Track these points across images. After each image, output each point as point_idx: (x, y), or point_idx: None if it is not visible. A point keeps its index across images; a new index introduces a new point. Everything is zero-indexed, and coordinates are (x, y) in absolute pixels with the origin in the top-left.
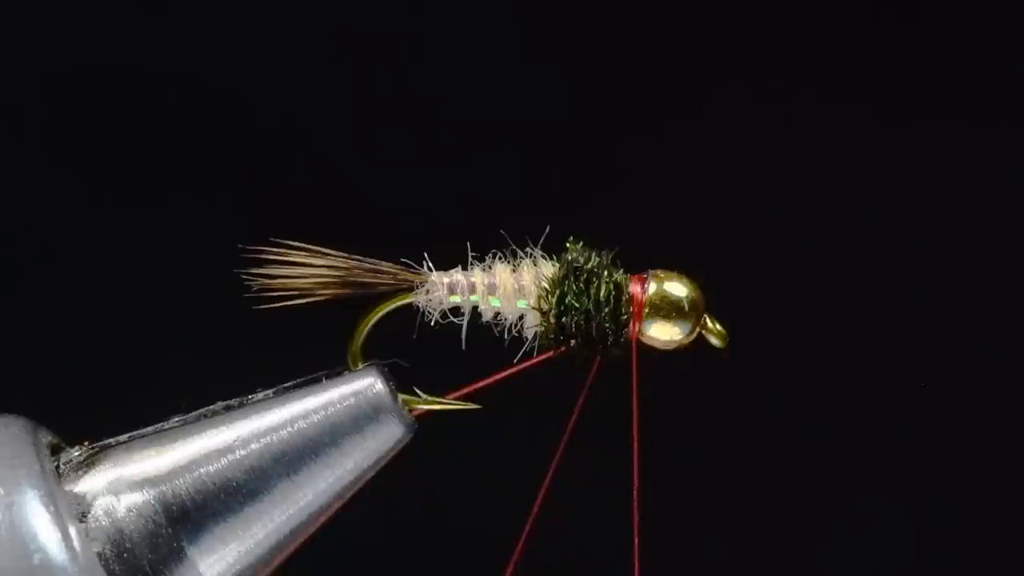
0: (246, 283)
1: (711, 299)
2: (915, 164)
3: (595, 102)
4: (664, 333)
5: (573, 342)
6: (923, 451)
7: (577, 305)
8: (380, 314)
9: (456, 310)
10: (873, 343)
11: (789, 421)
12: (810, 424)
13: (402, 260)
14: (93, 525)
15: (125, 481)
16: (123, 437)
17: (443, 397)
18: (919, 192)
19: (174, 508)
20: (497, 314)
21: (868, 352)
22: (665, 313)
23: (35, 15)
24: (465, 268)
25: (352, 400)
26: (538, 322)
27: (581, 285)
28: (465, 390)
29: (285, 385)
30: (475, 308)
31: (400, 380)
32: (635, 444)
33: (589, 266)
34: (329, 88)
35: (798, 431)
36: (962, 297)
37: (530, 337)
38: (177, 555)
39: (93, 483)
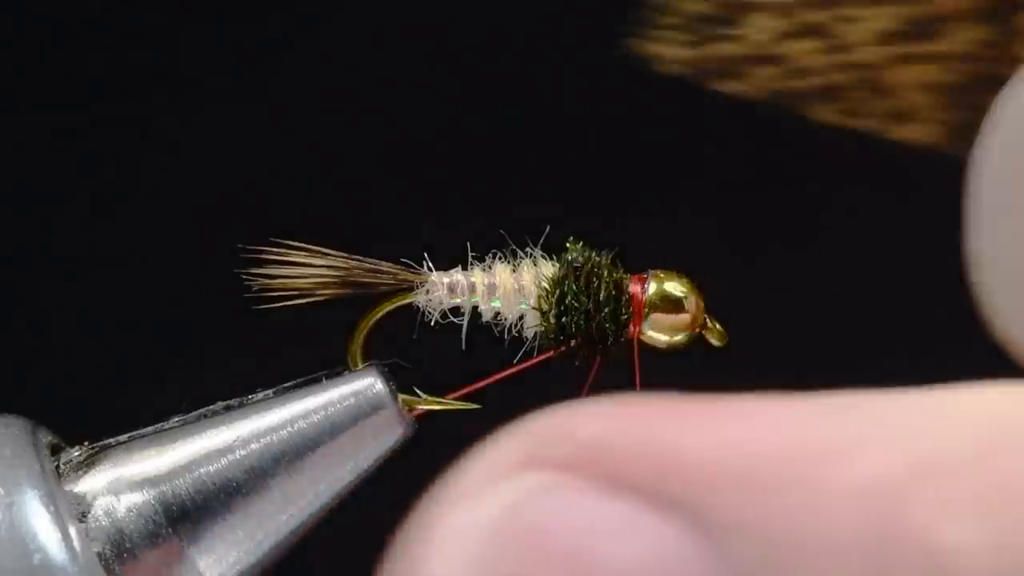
0: (246, 283)
1: (710, 299)
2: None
3: (595, 102)
4: (664, 333)
5: (573, 342)
6: None
7: (577, 305)
8: (380, 314)
9: (456, 310)
10: (874, 338)
11: None
12: None
13: (402, 260)
14: (93, 525)
15: (125, 481)
16: (123, 437)
17: (443, 397)
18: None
19: (174, 508)
20: (497, 314)
21: (869, 347)
22: (665, 313)
23: None
24: (465, 268)
25: (352, 400)
26: (538, 322)
27: (581, 285)
28: (465, 390)
29: (285, 385)
30: (475, 308)
31: (400, 380)
32: None
33: (589, 266)
34: (329, 87)
35: None
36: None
37: (530, 337)
38: (177, 555)
39: (93, 483)
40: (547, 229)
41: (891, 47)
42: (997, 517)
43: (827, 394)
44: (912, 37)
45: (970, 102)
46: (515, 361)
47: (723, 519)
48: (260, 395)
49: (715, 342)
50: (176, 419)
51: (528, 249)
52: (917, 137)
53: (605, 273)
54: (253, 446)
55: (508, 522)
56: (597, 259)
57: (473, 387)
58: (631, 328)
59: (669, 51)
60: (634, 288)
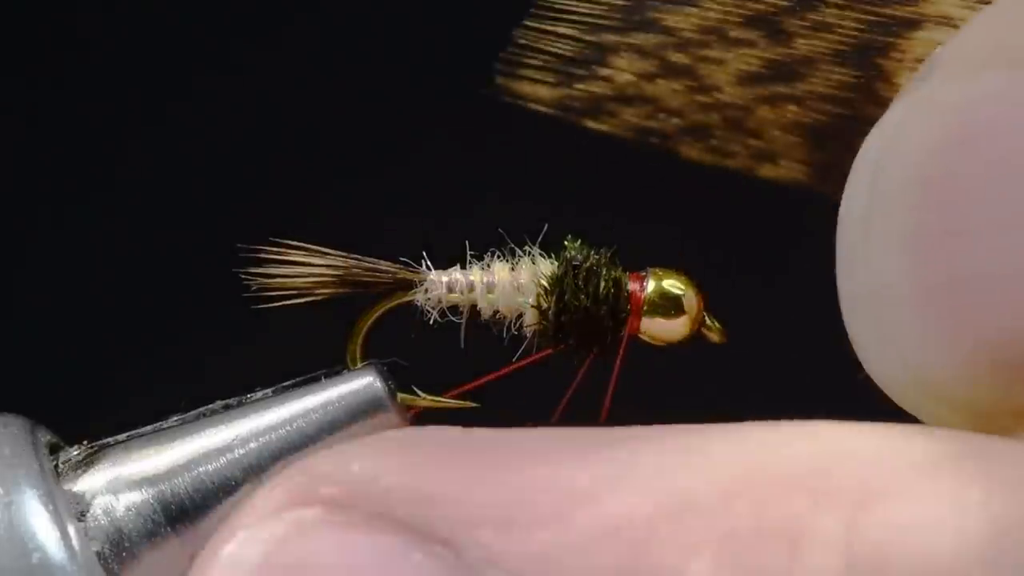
0: (245, 282)
1: (708, 296)
2: None
3: None
4: (663, 330)
5: (572, 340)
6: None
7: (576, 303)
8: (379, 313)
9: (455, 309)
10: None
11: (788, 413)
12: (816, 413)
13: (401, 259)
14: (92, 524)
15: (124, 480)
16: (122, 436)
17: (442, 396)
18: None
19: (173, 507)
20: (496, 312)
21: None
22: (664, 311)
23: None
24: (464, 267)
25: (351, 399)
26: (536, 320)
27: (580, 283)
28: (464, 388)
29: (284, 384)
30: (474, 307)
31: (399, 379)
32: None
33: (588, 264)
34: (329, 87)
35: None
36: None
37: (529, 335)
38: (176, 554)
39: (92, 482)
40: (545, 227)
41: (754, 88)
42: (740, 558)
43: (586, 432)
44: (775, 79)
45: (836, 143)
46: (514, 360)
47: (482, 556)
48: (259, 394)
49: (714, 339)
50: (175, 418)
51: (527, 247)
52: (783, 177)
53: (604, 271)
54: (252, 445)
55: (275, 556)
56: (596, 257)
57: (472, 385)
58: (629, 325)
59: (535, 90)
60: (633, 286)
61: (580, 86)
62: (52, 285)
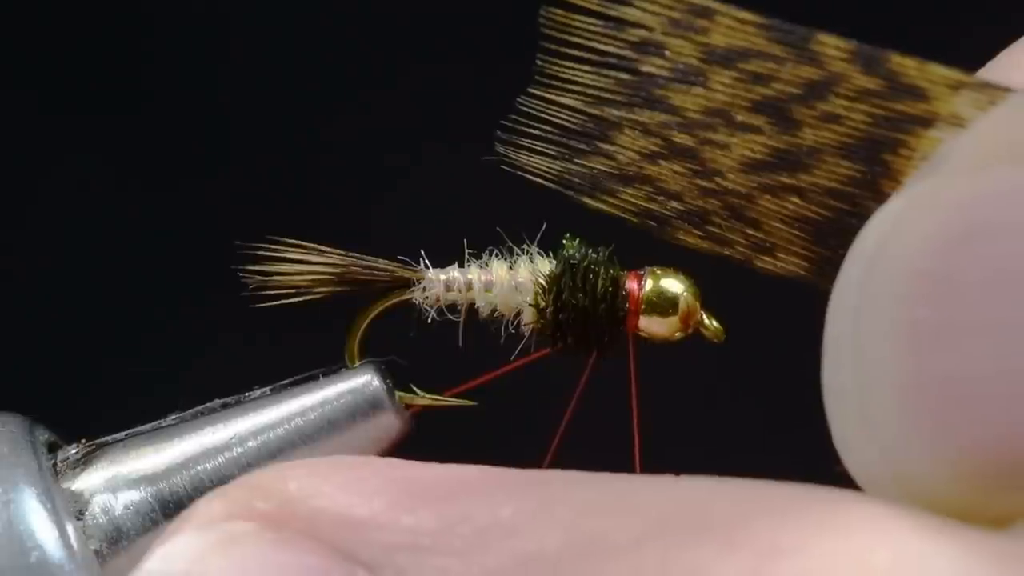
0: (244, 280)
1: (707, 295)
2: None
3: None
4: (661, 329)
5: (570, 339)
6: None
7: (574, 302)
8: (377, 311)
9: (453, 307)
10: None
11: (791, 413)
12: (813, 414)
13: (399, 257)
14: (90, 523)
15: (122, 479)
16: (120, 435)
17: (440, 394)
18: None
19: (171, 505)
20: (494, 311)
21: None
22: (662, 310)
23: None
24: (462, 265)
25: (349, 397)
26: (534, 319)
27: (578, 281)
28: (462, 387)
29: (282, 383)
30: (472, 305)
31: (397, 377)
32: (636, 439)
33: (586, 263)
34: (328, 85)
35: (802, 424)
36: None
37: (527, 334)
38: None
39: (90, 481)
40: (544, 226)
41: (757, 176)
42: None
43: (523, 472)
44: (779, 168)
45: (837, 239)
46: (512, 358)
47: None
48: (257, 393)
49: (712, 338)
50: (173, 417)
51: (525, 246)
52: (781, 270)
53: (602, 270)
54: (250, 444)
55: (200, 564)
56: (594, 256)
57: (470, 384)
58: (627, 324)
59: (535, 162)
60: (631, 284)
61: (580, 160)
62: (52, 285)
